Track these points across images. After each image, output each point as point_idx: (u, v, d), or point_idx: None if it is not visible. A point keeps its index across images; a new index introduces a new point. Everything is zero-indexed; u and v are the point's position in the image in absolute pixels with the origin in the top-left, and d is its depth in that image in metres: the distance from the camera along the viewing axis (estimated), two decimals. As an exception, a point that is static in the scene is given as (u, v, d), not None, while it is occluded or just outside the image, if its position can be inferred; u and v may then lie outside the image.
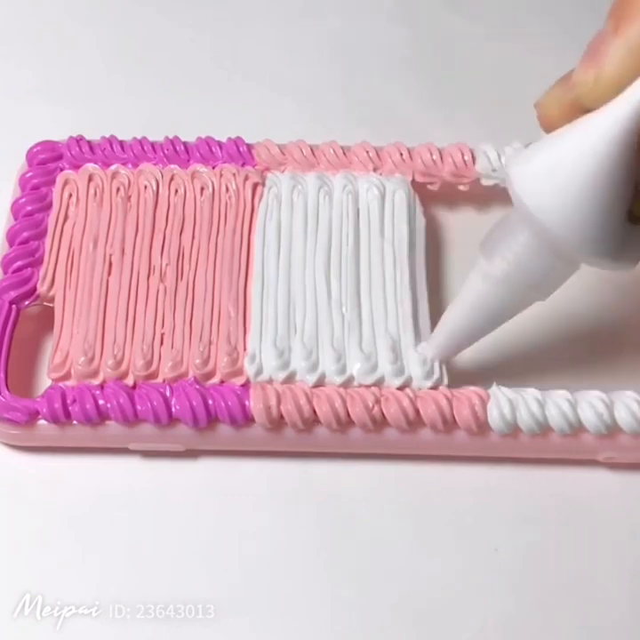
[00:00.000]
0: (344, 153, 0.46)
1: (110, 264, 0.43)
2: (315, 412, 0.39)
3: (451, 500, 0.40)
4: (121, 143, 0.46)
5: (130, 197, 0.45)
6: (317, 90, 0.52)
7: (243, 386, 0.40)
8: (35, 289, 0.42)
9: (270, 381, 0.40)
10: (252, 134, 0.46)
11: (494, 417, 0.39)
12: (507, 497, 0.40)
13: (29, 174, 0.45)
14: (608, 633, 0.38)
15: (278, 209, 0.44)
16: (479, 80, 0.53)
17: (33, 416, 0.39)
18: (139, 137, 0.46)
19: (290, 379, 0.40)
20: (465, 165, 0.46)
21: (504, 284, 0.37)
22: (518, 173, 0.35)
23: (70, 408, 0.39)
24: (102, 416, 0.39)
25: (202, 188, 0.45)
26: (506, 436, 0.39)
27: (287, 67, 0.53)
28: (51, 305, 0.42)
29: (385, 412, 0.39)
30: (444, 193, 0.46)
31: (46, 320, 0.42)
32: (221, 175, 0.45)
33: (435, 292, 0.43)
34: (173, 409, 0.39)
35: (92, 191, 0.45)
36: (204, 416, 0.39)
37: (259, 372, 0.40)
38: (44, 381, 0.41)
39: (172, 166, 0.45)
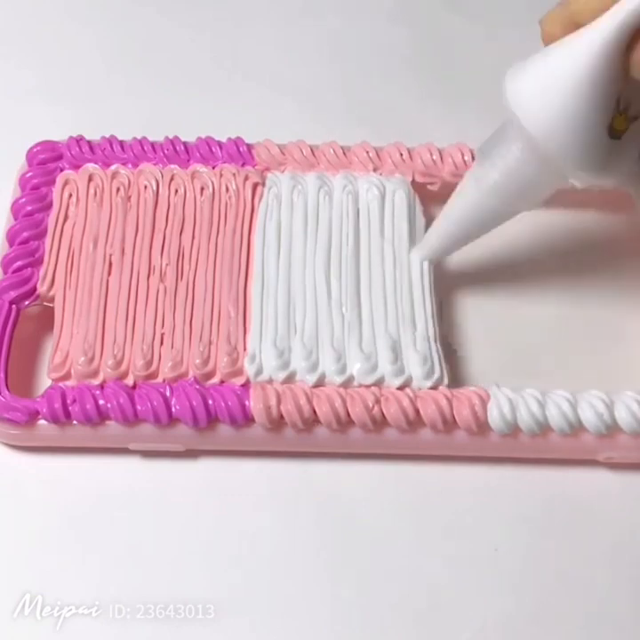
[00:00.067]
0: (344, 153, 0.46)
1: (110, 264, 0.43)
2: (315, 412, 0.39)
3: (451, 500, 0.40)
4: (121, 143, 0.46)
5: (130, 197, 0.45)
6: (317, 90, 0.52)
7: (243, 386, 0.40)
8: (35, 289, 0.42)
9: (270, 381, 0.40)
10: (251, 134, 0.46)
11: (494, 417, 0.39)
12: (507, 497, 0.40)
13: (29, 174, 0.45)
14: (608, 633, 0.38)
15: (278, 209, 0.44)
16: (479, 80, 0.53)
17: (33, 416, 0.39)
18: (139, 137, 0.46)
19: (290, 379, 0.40)
20: (465, 165, 0.46)
21: (493, 191, 0.40)
22: (511, 84, 0.37)
23: (70, 408, 0.39)
24: (102, 416, 0.39)
25: (202, 188, 0.45)
26: (506, 435, 0.39)
27: (287, 67, 0.53)
28: (51, 305, 0.42)
29: (385, 411, 0.39)
30: (444, 193, 0.46)
31: (46, 320, 0.42)
32: (221, 175, 0.45)
33: (435, 291, 0.43)
34: (173, 409, 0.39)
35: (91, 191, 0.45)
36: (204, 416, 0.39)
37: (259, 372, 0.40)
38: (44, 381, 0.41)
39: (172, 166, 0.45)
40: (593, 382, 0.40)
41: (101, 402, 0.39)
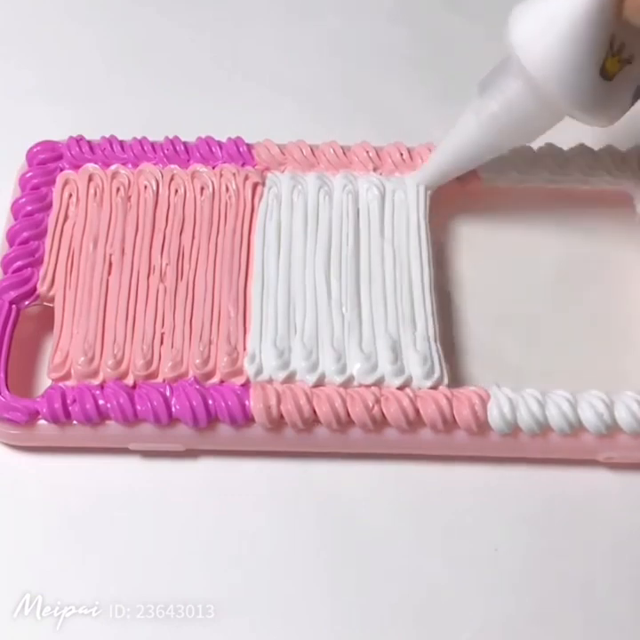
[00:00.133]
0: (344, 153, 0.46)
1: (110, 264, 0.43)
2: (315, 411, 0.39)
3: (451, 500, 0.40)
4: (121, 143, 0.46)
5: (130, 197, 0.45)
6: (317, 90, 0.52)
7: (243, 386, 0.40)
8: (35, 289, 0.42)
9: (270, 381, 0.40)
10: (251, 134, 0.46)
11: (494, 417, 0.39)
12: (507, 497, 0.40)
13: (29, 174, 0.45)
14: (608, 633, 0.38)
15: (278, 209, 0.44)
16: (479, 80, 0.53)
17: (33, 416, 0.39)
18: (139, 137, 0.46)
19: (290, 379, 0.40)
20: (465, 165, 0.46)
21: (492, 123, 0.41)
22: (513, 24, 0.39)
23: (70, 408, 0.39)
24: (102, 416, 0.39)
25: (202, 188, 0.45)
26: (506, 435, 0.39)
27: (287, 67, 0.53)
28: (51, 305, 0.42)
29: (385, 411, 0.39)
30: (444, 193, 0.46)
31: (46, 320, 0.42)
32: (221, 175, 0.45)
33: (435, 291, 0.43)
34: (173, 409, 0.39)
35: (91, 191, 0.45)
36: (204, 416, 0.39)
37: (259, 371, 0.40)
38: (44, 381, 0.41)
39: (172, 166, 0.45)
40: (593, 382, 0.40)
41: (101, 402, 0.39)
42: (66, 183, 0.45)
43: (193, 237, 0.44)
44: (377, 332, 0.41)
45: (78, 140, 0.46)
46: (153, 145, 0.46)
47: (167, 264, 0.43)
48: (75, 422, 0.39)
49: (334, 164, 0.46)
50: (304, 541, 0.39)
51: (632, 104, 0.40)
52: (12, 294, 0.42)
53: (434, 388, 0.40)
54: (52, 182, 0.45)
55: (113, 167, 0.45)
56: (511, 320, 0.44)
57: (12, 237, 0.43)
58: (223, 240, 0.43)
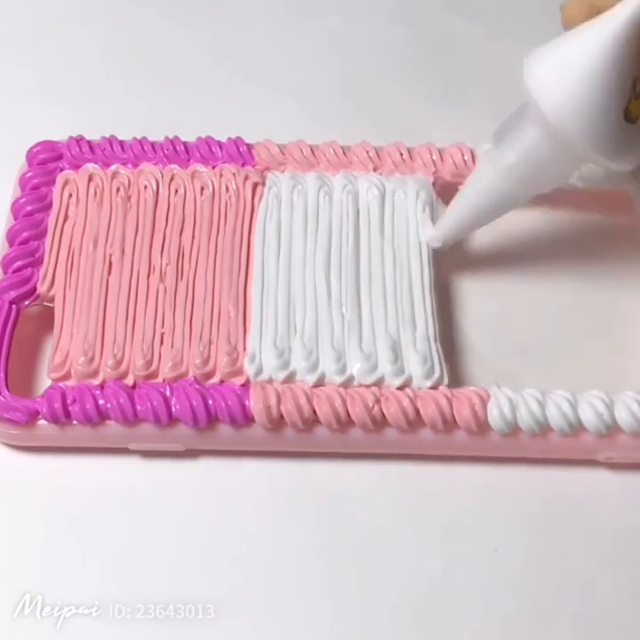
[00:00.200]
0: (344, 153, 0.46)
1: (110, 264, 0.43)
2: (315, 411, 0.39)
3: (451, 500, 0.40)
4: (121, 143, 0.46)
5: (130, 197, 0.45)
6: (317, 90, 0.52)
7: (243, 386, 0.40)
8: (35, 289, 0.42)
9: (270, 381, 0.40)
10: (251, 134, 0.46)
11: (494, 417, 0.39)
12: (507, 497, 0.40)
13: (29, 174, 0.45)
14: (608, 633, 0.38)
15: (278, 209, 0.44)
16: (479, 80, 0.53)
17: (33, 416, 0.39)
18: (139, 137, 0.46)
19: (290, 379, 0.40)
20: (465, 165, 0.46)
21: (510, 173, 0.40)
22: (530, 68, 0.38)
23: (70, 408, 0.39)
24: (102, 416, 0.39)
25: (202, 188, 0.45)
26: (506, 435, 0.39)
27: (287, 67, 0.53)
28: (51, 305, 0.42)
29: (385, 411, 0.39)
30: (444, 193, 0.46)
31: (46, 320, 0.42)
32: (221, 175, 0.45)
33: (435, 291, 0.43)
34: (173, 409, 0.39)
35: (91, 191, 0.45)
36: (204, 416, 0.39)
37: (259, 371, 0.40)
38: (44, 381, 0.41)
39: (172, 166, 0.45)
40: (593, 382, 0.40)
41: (101, 402, 0.39)
42: (66, 183, 0.45)
43: (193, 237, 0.44)
44: (377, 331, 0.41)
45: (78, 140, 0.46)
46: (153, 145, 0.46)
47: (167, 264, 0.43)
48: (75, 422, 0.39)
49: (334, 164, 0.46)
50: (304, 541, 0.39)
51: None
52: (12, 294, 0.42)
53: (434, 387, 0.40)
54: (52, 182, 0.45)
55: (113, 167, 0.45)
56: (511, 320, 0.44)
57: (12, 237, 0.43)
58: (223, 240, 0.43)
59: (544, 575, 0.39)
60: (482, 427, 0.39)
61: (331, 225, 0.44)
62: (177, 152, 0.46)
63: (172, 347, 0.41)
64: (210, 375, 0.40)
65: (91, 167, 0.45)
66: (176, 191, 0.45)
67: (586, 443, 0.40)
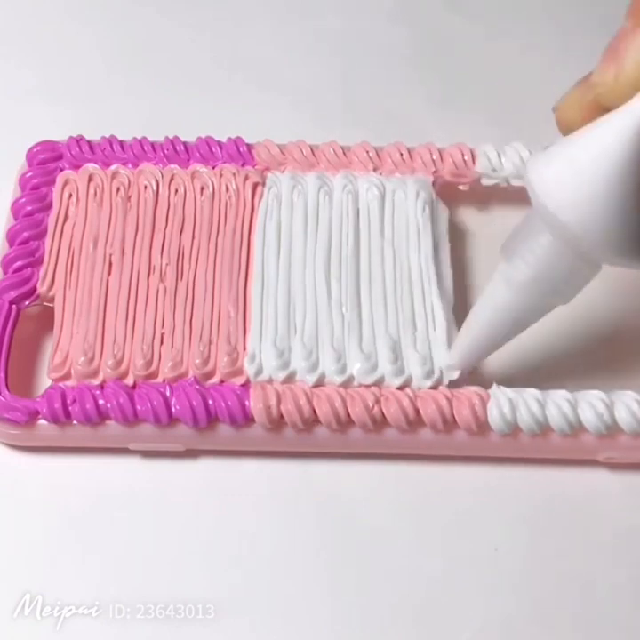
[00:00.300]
0: (344, 153, 0.46)
1: (110, 264, 0.43)
2: (315, 411, 0.39)
3: (451, 500, 0.40)
4: (121, 143, 0.46)
5: (130, 197, 0.45)
6: (317, 90, 0.52)
7: (243, 386, 0.40)
8: (35, 289, 0.42)
9: (270, 381, 0.40)
10: (252, 134, 0.46)
11: (494, 417, 0.39)
12: (507, 497, 0.40)
13: (29, 174, 0.45)
14: (608, 633, 0.38)
15: (278, 209, 0.44)
16: (479, 80, 0.53)
17: (33, 416, 0.39)
18: (139, 137, 0.46)
19: (290, 379, 0.40)
20: (465, 165, 0.46)
21: (525, 288, 0.37)
22: (538, 175, 0.35)
23: (70, 408, 0.39)
24: (102, 416, 0.39)
25: (202, 188, 0.45)
26: (506, 435, 0.39)
27: (287, 67, 0.53)
28: (51, 305, 0.42)
29: (385, 411, 0.39)
30: (444, 193, 0.46)
31: (46, 320, 0.42)
32: (221, 175, 0.45)
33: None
34: (173, 409, 0.39)
35: (91, 191, 0.45)
36: (204, 416, 0.39)
37: (259, 371, 0.40)
38: (44, 381, 0.41)
39: (172, 166, 0.45)
40: (593, 382, 0.40)
41: (101, 402, 0.39)
42: (66, 183, 0.45)
43: (193, 237, 0.44)
44: (377, 331, 0.41)
45: (78, 140, 0.46)
46: (153, 145, 0.46)
47: (167, 264, 0.43)
48: (75, 422, 0.39)
49: (334, 164, 0.46)
50: (304, 541, 0.39)
51: None
52: (12, 294, 0.42)
53: (434, 388, 0.40)
54: (52, 182, 0.45)
55: (113, 167, 0.45)
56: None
57: (12, 237, 0.43)
58: (223, 240, 0.43)
59: (544, 575, 0.39)
60: (482, 427, 0.39)
61: (331, 225, 0.44)
62: (177, 152, 0.46)
63: (172, 347, 0.41)
64: (210, 375, 0.40)
65: (91, 167, 0.45)
66: (176, 191, 0.45)
67: (586, 443, 0.40)
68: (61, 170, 0.45)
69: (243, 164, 0.46)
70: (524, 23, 0.55)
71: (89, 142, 0.46)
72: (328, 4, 0.56)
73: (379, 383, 0.40)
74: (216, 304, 0.42)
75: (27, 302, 0.42)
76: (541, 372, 0.42)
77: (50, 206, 0.44)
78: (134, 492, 0.40)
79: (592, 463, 0.41)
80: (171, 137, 0.46)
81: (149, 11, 0.55)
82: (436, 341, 0.41)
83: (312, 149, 0.46)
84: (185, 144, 0.46)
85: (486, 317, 0.39)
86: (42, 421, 0.39)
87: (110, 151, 0.46)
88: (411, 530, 0.40)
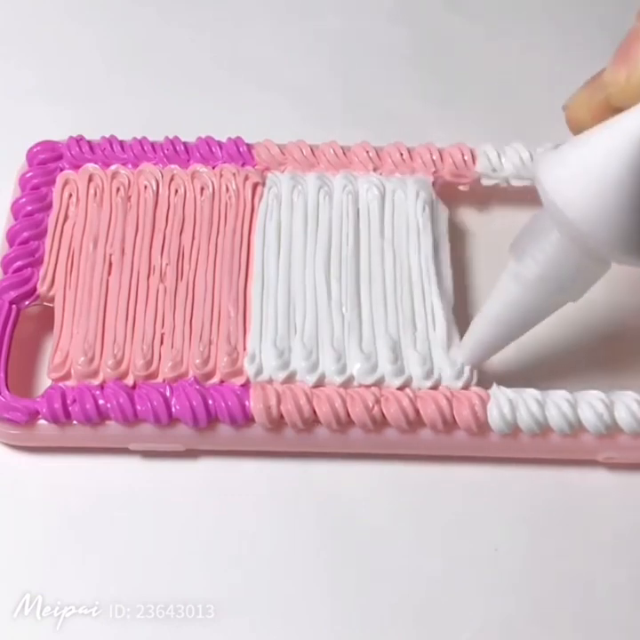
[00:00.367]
0: (344, 153, 0.46)
1: (110, 264, 0.43)
2: (315, 412, 0.39)
3: (451, 500, 0.40)
4: (121, 143, 0.46)
5: (130, 197, 0.45)
6: (317, 90, 0.52)
7: (243, 386, 0.40)
8: (35, 289, 0.42)
9: (270, 381, 0.40)
10: (252, 134, 0.46)
11: (494, 417, 0.39)
12: (507, 497, 0.40)
13: (29, 174, 0.45)
14: (608, 633, 0.38)
15: (278, 209, 0.44)
16: (479, 80, 0.53)
17: (33, 416, 0.39)
18: (139, 137, 0.46)
19: (290, 379, 0.40)
20: (465, 165, 0.46)
21: (535, 286, 0.38)
22: (548, 175, 0.35)
23: (70, 408, 0.39)
24: (102, 416, 0.39)
25: (202, 188, 0.45)
26: (506, 435, 0.39)
27: (287, 67, 0.53)
28: (51, 305, 0.42)
29: (385, 411, 0.39)
30: (444, 193, 0.46)
31: (46, 320, 0.42)
32: (221, 175, 0.45)
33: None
34: (173, 409, 0.39)
35: (92, 191, 0.45)
36: (204, 416, 0.39)
37: (259, 371, 0.40)
38: (44, 381, 0.41)
39: (172, 166, 0.45)
40: (593, 382, 0.40)
41: (101, 402, 0.39)
42: (66, 183, 0.45)
43: (193, 237, 0.44)
44: (377, 332, 0.41)
45: (78, 140, 0.46)
46: (153, 145, 0.46)
47: (167, 264, 0.43)
48: (75, 422, 0.39)
49: (334, 164, 0.46)
50: (304, 541, 0.39)
51: None
52: (12, 294, 0.42)
53: (434, 388, 0.40)
54: (52, 182, 0.45)
55: (113, 167, 0.45)
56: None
57: (12, 237, 0.43)
58: (223, 240, 0.43)
59: (544, 575, 0.39)
60: (482, 427, 0.39)
61: (331, 225, 0.44)
62: (177, 152, 0.46)
63: (172, 347, 0.41)
64: (210, 375, 0.40)
65: (91, 167, 0.45)
66: (176, 191, 0.45)
67: (586, 443, 0.40)
68: (61, 170, 0.45)
69: (243, 164, 0.46)
70: (524, 23, 0.55)
71: (89, 142, 0.46)
72: (328, 3, 0.56)
73: (379, 383, 0.40)
74: (216, 304, 0.42)
75: (27, 302, 0.42)
76: (541, 372, 0.42)
77: (50, 206, 0.44)
78: (134, 491, 0.40)
79: (592, 463, 0.41)
80: (171, 137, 0.46)
81: (149, 11, 0.55)
82: (436, 341, 0.41)
83: (312, 149, 0.46)
84: (185, 144, 0.46)
85: (495, 314, 0.40)
86: (42, 421, 0.39)
87: (110, 151, 0.46)
88: (411, 530, 0.40)
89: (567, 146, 0.36)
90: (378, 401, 0.39)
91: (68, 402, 0.39)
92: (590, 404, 0.39)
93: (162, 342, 0.41)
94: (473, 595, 0.38)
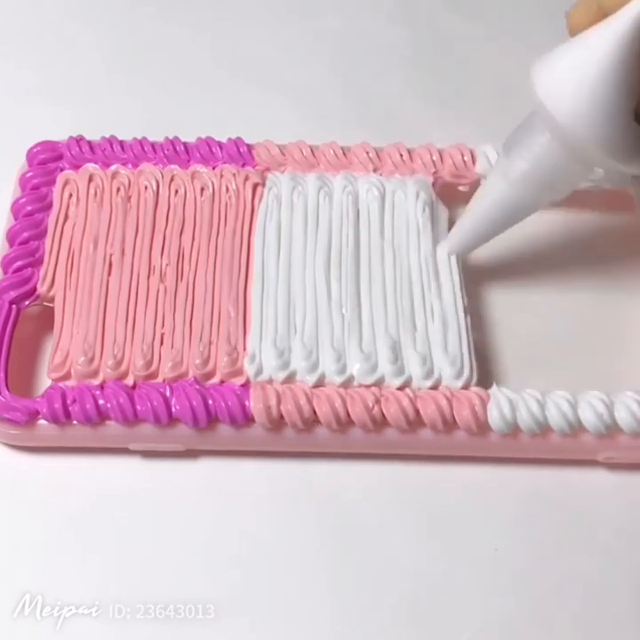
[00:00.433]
0: (344, 153, 0.46)
1: (110, 264, 0.43)
2: (315, 412, 0.39)
3: (451, 500, 0.40)
4: (121, 143, 0.46)
5: (130, 198, 0.45)
6: (317, 90, 0.52)
7: (243, 386, 0.40)
8: (35, 289, 0.42)
9: (270, 381, 0.40)
10: (252, 135, 0.46)
11: (494, 417, 0.39)
12: (507, 497, 0.40)
13: (29, 174, 0.45)
14: (608, 633, 0.38)
15: (278, 209, 0.44)
16: (479, 80, 0.53)
17: (33, 416, 0.39)
18: (139, 137, 0.46)
19: (290, 379, 0.40)
20: (465, 166, 0.46)
21: (521, 182, 0.40)
22: (539, 74, 0.37)
23: (70, 408, 0.39)
24: (102, 416, 0.39)
25: (202, 189, 0.45)
26: (506, 435, 0.39)
27: (287, 67, 0.53)
28: (51, 305, 0.42)
29: (385, 411, 0.39)
30: (443, 193, 0.46)
31: (46, 320, 0.42)
32: (221, 175, 0.45)
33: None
34: (173, 409, 0.39)
35: (92, 191, 0.45)
36: (204, 416, 0.39)
37: (259, 372, 0.40)
38: (44, 381, 0.41)
39: (172, 166, 0.45)
40: (593, 382, 0.40)
41: (101, 402, 0.39)
42: (66, 183, 0.45)
43: (193, 238, 0.44)
44: (377, 332, 0.41)
45: (78, 140, 0.46)
46: (153, 145, 0.46)
47: (167, 264, 0.43)
48: (75, 422, 0.39)
49: (334, 165, 0.46)
50: (304, 541, 0.39)
51: None
52: (12, 294, 0.42)
53: (434, 388, 0.40)
54: (52, 182, 0.45)
55: (113, 167, 0.45)
56: (510, 321, 0.44)
57: (12, 237, 0.43)
58: (223, 241, 0.43)
59: (544, 575, 0.39)
60: (482, 427, 0.39)
61: (331, 225, 0.44)
62: (177, 152, 0.46)
63: (172, 347, 0.41)
64: (210, 375, 0.40)
65: (91, 167, 0.45)
66: (176, 192, 0.45)
67: (586, 443, 0.40)
68: (61, 170, 0.45)
69: (243, 165, 0.46)
70: (524, 23, 0.55)
71: (89, 142, 0.46)
72: (328, 3, 0.56)
73: (379, 383, 0.40)
74: (216, 304, 0.42)
75: (27, 302, 0.42)
76: (541, 372, 0.42)
77: (50, 206, 0.44)
78: (134, 491, 0.40)
79: (592, 463, 0.41)
80: (171, 137, 0.46)
81: (149, 11, 0.55)
82: (436, 341, 0.41)
83: (312, 150, 0.46)
84: (185, 144, 0.46)
85: (482, 208, 0.42)
86: (42, 421, 0.39)
87: (110, 151, 0.46)
88: (411, 530, 0.40)
89: (557, 49, 0.37)
90: (378, 401, 0.39)
91: (68, 402, 0.39)
92: (590, 404, 0.39)
93: (162, 342, 0.41)
94: (473, 595, 0.38)
